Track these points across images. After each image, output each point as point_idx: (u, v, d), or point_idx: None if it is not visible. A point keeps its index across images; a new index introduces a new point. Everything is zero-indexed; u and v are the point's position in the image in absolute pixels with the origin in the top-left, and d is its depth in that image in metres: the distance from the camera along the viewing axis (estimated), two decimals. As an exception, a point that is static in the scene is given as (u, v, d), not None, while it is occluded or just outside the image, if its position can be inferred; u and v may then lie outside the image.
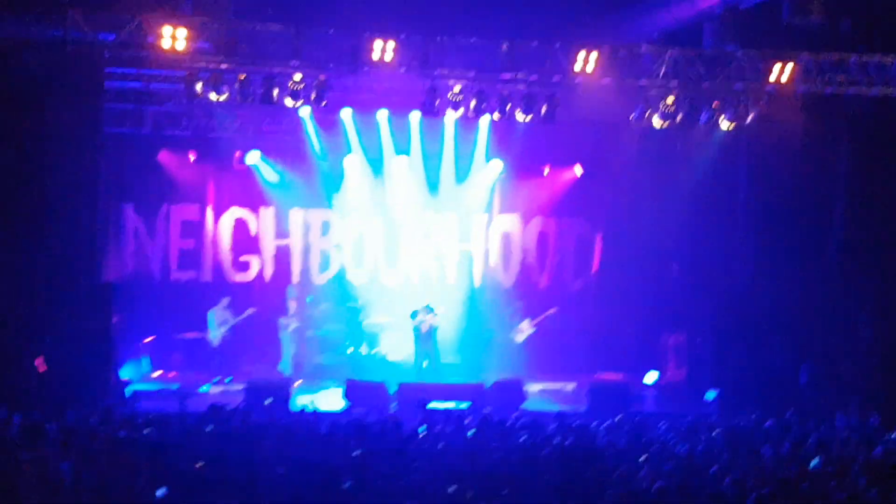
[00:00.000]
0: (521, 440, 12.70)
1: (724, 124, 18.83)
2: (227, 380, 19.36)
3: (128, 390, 17.36)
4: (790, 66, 18.18)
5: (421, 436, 12.90)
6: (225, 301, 20.30)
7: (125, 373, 18.41)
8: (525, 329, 21.15)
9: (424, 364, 19.37)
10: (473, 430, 13.38)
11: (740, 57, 18.24)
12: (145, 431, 12.61)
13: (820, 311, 18.85)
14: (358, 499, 10.10)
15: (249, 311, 20.26)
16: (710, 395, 18.64)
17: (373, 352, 20.65)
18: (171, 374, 20.05)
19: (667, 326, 21.56)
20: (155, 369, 20.21)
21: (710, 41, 17.96)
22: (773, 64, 18.21)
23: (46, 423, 12.54)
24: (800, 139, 18.93)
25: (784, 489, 10.58)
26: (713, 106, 18.64)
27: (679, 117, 18.59)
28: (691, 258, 21.24)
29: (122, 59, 17.46)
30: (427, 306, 19.42)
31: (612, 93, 18.79)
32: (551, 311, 21.36)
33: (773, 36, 18.02)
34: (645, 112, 18.64)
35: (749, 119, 18.72)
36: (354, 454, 11.77)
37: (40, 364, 16.39)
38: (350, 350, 20.56)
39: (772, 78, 18.25)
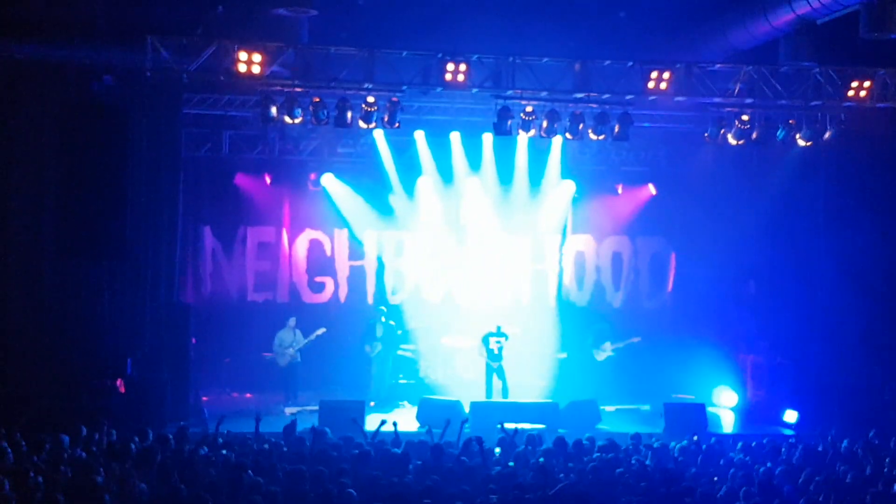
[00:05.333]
0: (596, 461, 12.61)
1: (801, 141, 18.58)
2: (297, 400, 19.53)
3: (206, 411, 17.58)
4: (868, 81, 17.91)
5: (495, 456, 12.86)
6: (292, 321, 20.34)
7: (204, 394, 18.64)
8: (606, 349, 20.97)
9: (497, 384, 19.30)
10: (547, 448, 13.32)
11: (817, 73, 18.00)
12: (224, 452, 12.77)
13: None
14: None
15: (319, 331, 20.28)
16: (790, 415, 18.34)
17: (446, 372, 20.67)
18: (247, 395, 20.29)
19: (744, 346, 21.27)
20: (231, 390, 20.43)
21: (786, 58, 17.73)
22: (851, 80, 17.96)
23: (127, 441, 12.77)
24: (879, 155, 18.61)
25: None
26: (790, 123, 18.41)
27: (754, 134, 18.39)
28: (769, 276, 20.92)
29: (200, 84, 17.84)
30: (499, 329, 19.39)
31: (685, 111, 18.69)
32: (635, 339, 21.10)
33: (850, 51, 17.75)
34: (720, 130, 18.47)
35: (827, 136, 18.45)
36: (428, 475, 11.80)
37: (121, 385, 16.69)
38: (426, 371, 20.59)
39: (850, 94, 17.98)
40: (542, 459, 12.52)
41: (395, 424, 14.01)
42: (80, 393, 16.15)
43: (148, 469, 11.70)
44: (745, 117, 18.25)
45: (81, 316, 16.89)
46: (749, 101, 18.18)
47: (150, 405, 16.43)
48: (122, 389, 16.64)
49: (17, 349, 16.70)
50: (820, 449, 14.14)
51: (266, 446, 13.03)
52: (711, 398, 20.11)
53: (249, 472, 11.35)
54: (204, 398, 18.35)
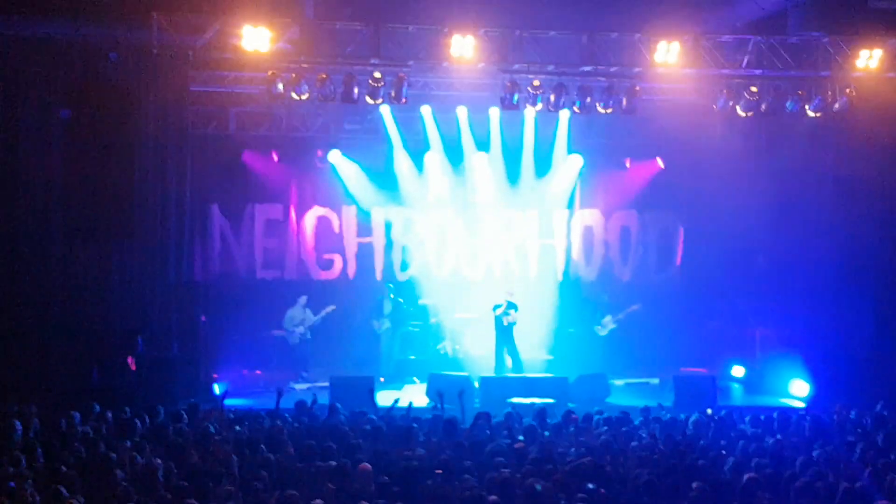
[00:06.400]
0: (606, 434, 12.64)
1: (811, 112, 18.48)
2: (303, 374, 19.63)
3: (216, 387, 17.63)
4: (878, 51, 17.80)
5: (503, 430, 12.89)
6: (303, 300, 20.43)
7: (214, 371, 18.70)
8: (608, 324, 21.03)
9: (508, 360, 19.32)
10: (557, 422, 13.36)
11: (826, 43, 17.90)
12: (237, 428, 12.83)
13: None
14: (442, 493, 10.13)
15: (329, 308, 20.36)
16: (799, 388, 18.35)
17: (455, 347, 20.71)
18: (257, 372, 20.36)
19: (753, 320, 21.25)
20: (241, 367, 20.50)
21: (795, 28, 17.63)
22: (861, 50, 17.84)
23: (137, 419, 12.84)
24: (889, 125, 18.52)
25: (877, 481, 10.38)
26: (799, 94, 18.31)
27: (763, 106, 18.30)
28: (777, 250, 20.88)
29: (206, 61, 17.81)
30: (507, 301, 19.37)
31: (694, 83, 18.61)
32: (634, 307, 21.16)
33: (859, 21, 17.64)
34: (728, 102, 18.39)
35: (836, 106, 18.34)
36: (438, 449, 11.84)
37: (131, 363, 16.76)
38: (439, 347, 20.63)
39: (859, 64, 17.88)
40: (547, 434, 12.56)
41: (409, 404, 14.04)
42: (92, 371, 16.21)
43: (160, 445, 11.77)
44: (753, 89, 18.15)
45: (91, 295, 16.94)
46: (758, 72, 18.09)
47: (160, 383, 16.49)
48: (133, 367, 16.71)
49: (27, 328, 16.74)
50: (828, 421, 14.16)
51: (279, 422, 13.08)
52: (720, 371, 20.10)
53: (262, 447, 11.42)
54: (214, 375, 18.39)
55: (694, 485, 10.16)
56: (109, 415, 13.19)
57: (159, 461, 10.65)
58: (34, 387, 15.22)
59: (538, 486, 9.90)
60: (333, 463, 10.77)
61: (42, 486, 9.78)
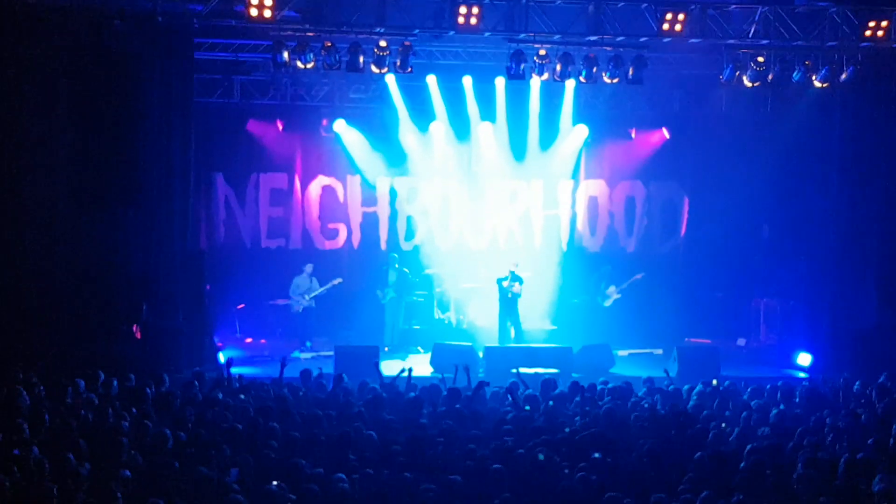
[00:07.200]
0: (610, 404, 12.68)
1: (817, 83, 18.38)
2: (307, 344, 19.68)
3: (221, 356, 17.69)
4: (885, 21, 17.68)
5: (509, 401, 12.93)
6: (308, 268, 20.46)
7: (218, 339, 18.76)
8: (612, 294, 21.05)
9: (511, 330, 19.35)
10: (561, 392, 13.40)
11: (834, 13, 17.77)
12: (242, 397, 12.88)
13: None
14: (446, 462, 10.17)
15: (335, 281, 20.40)
16: (803, 358, 18.38)
17: (459, 317, 20.75)
18: (262, 341, 20.43)
19: (757, 290, 21.28)
20: (246, 335, 20.60)
21: (803, -2, 17.53)
22: (868, 20, 17.71)
23: (144, 387, 12.88)
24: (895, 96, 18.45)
25: (877, 452, 10.41)
26: (805, 64, 18.21)
27: (770, 76, 18.20)
28: (782, 220, 20.88)
29: (211, 29, 17.73)
30: (512, 273, 19.35)
31: (700, 53, 18.51)
32: (638, 276, 21.17)
33: (867, -10, 17.54)
34: (735, 72, 18.29)
35: (843, 77, 18.24)
36: (442, 418, 11.88)
37: (137, 331, 16.80)
38: (442, 316, 20.67)
39: (867, 34, 17.76)
40: (551, 403, 12.60)
41: (409, 370, 14.12)
42: (97, 339, 16.25)
43: (166, 413, 11.83)
44: (760, 59, 18.03)
45: (95, 263, 16.94)
46: (765, 42, 17.96)
47: (166, 351, 16.55)
48: (139, 335, 16.75)
49: (33, 296, 16.76)
50: (832, 392, 14.19)
51: (285, 390, 13.13)
52: (724, 341, 20.11)
53: (268, 415, 11.46)
54: (219, 344, 18.45)
55: (697, 455, 10.21)
56: (115, 383, 13.25)
57: (165, 429, 10.69)
58: (39, 355, 15.24)
59: (541, 456, 9.94)
60: (338, 432, 10.82)
61: (48, 453, 9.83)
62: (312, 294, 20.25)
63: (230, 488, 9.03)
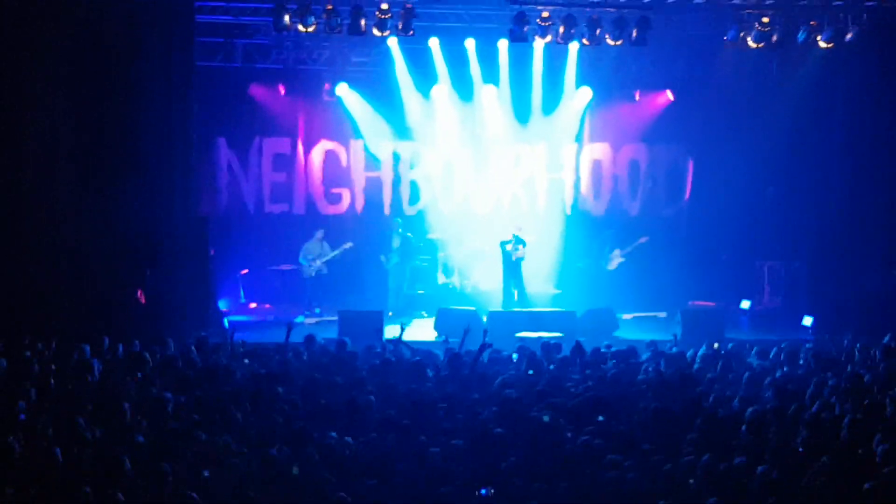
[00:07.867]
0: (614, 368, 12.69)
1: (822, 43, 18.25)
2: (316, 310, 19.70)
3: (225, 321, 17.73)
4: (892, -20, 17.56)
5: (513, 364, 12.95)
6: (320, 234, 20.48)
7: (222, 304, 18.80)
8: (616, 258, 21.03)
9: (515, 294, 19.35)
10: (565, 356, 13.41)
11: (840, -28, 17.65)
12: (246, 361, 12.90)
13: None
14: (450, 425, 10.20)
15: (347, 245, 20.41)
16: (807, 321, 18.38)
17: (463, 282, 20.75)
18: (266, 306, 20.46)
19: (761, 253, 21.24)
20: (250, 301, 20.64)
21: (808, -44, 17.38)
22: (875, -21, 17.59)
23: (148, 351, 12.91)
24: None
25: (878, 413, 10.42)
26: (811, 24, 18.07)
27: (775, 37, 18.07)
28: (787, 183, 20.80)
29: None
30: (516, 236, 19.31)
31: (704, 14, 18.37)
32: (642, 239, 21.13)
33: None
34: (739, 33, 18.16)
35: (849, 37, 18.10)
36: (446, 382, 11.91)
37: (141, 296, 16.82)
38: (446, 280, 20.68)
39: (872, -6, 17.65)
40: (552, 367, 12.61)
41: (402, 326, 14.15)
42: (101, 304, 16.27)
43: (170, 378, 11.85)
44: (765, 19, 17.92)
45: (99, 228, 16.92)
46: (769, 1, 17.83)
47: (170, 316, 16.57)
48: (143, 300, 16.77)
49: (38, 263, 16.76)
50: (836, 353, 14.19)
51: (290, 355, 13.15)
52: (728, 304, 20.11)
53: (272, 380, 11.49)
54: (223, 309, 18.48)
55: (700, 418, 10.22)
56: (120, 347, 13.28)
57: (169, 394, 10.72)
58: (44, 321, 15.26)
59: (545, 418, 9.96)
60: (342, 397, 10.84)
61: (55, 418, 9.86)
62: (325, 258, 20.27)
63: (233, 452, 9.05)
